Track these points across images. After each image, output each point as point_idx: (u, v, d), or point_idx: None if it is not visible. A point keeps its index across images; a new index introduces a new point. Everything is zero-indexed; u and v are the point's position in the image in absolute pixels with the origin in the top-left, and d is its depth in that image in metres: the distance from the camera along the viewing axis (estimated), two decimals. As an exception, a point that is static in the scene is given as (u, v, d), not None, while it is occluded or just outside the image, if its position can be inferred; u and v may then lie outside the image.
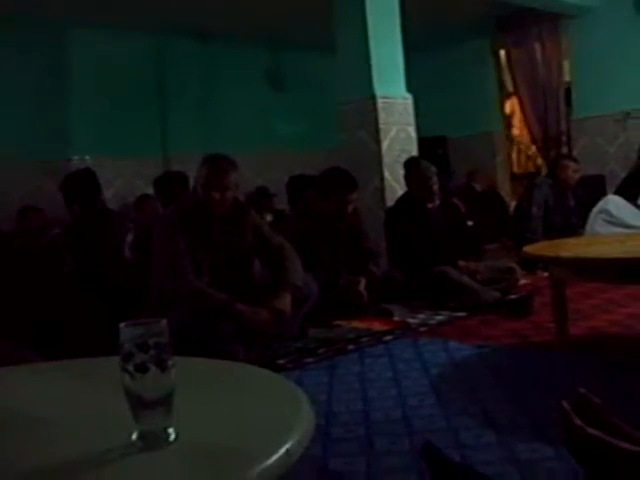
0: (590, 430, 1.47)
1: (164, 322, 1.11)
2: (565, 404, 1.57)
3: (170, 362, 1.09)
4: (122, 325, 1.09)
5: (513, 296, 4.56)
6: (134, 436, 1.10)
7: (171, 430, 1.11)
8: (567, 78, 8.30)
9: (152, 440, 1.09)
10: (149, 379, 1.07)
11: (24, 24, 6.43)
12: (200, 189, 3.56)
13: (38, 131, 6.59)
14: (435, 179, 4.97)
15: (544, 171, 8.19)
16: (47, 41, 6.76)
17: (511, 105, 9.38)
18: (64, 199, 4.74)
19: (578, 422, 1.50)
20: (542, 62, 8.26)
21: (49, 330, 3.48)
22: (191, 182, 4.68)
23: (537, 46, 8.27)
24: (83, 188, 4.63)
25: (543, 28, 8.15)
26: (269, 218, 6.33)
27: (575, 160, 6.36)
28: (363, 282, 4.43)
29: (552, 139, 8.26)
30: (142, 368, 1.06)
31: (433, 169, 5.01)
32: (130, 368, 1.07)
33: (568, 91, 8.21)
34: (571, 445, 1.62)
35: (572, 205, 6.25)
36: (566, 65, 8.23)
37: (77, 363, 1.75)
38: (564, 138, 8.22)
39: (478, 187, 7.89)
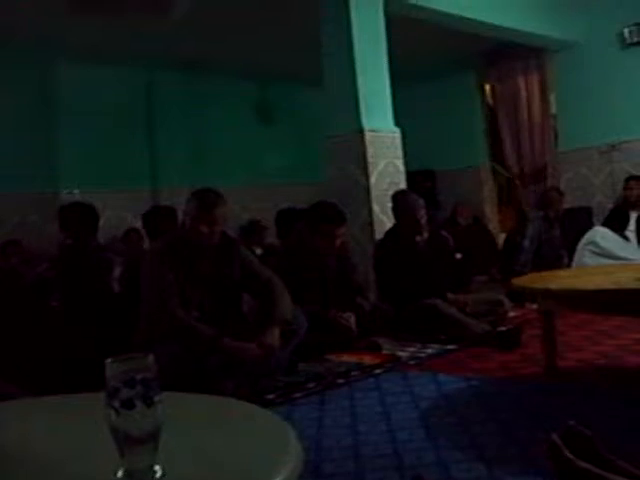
0: (580, 463, 1.46)
1: (151, 357, 1.10)
2: (555, 437, 1.56)
3: (157, 398, 1.08)
4: (108, 361, 1.08)
5: (502, 328, 4.55)
6: (119, 474, 1.08)
7: (157, 467, 1.09)
8: (553, 111, 8.40)
9: (138, 478, 1.08)
10: (135, 415, 1.06)
11: (11, 55, 6.46)
12: (188, 223, 3.56)
13: (26, 164, 6.59)
14: (423, 212, 4.98)
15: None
16: (36, 73, 6.79)
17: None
18: (61, 229, 4.69)
19: (568, 455, 1.49)
20: (527, 95, 8.36)
21: (36, 365, 3.45)
22: (179, 216, 4.68)
23: (522, 80, 8.37)
24: (85, 223, 4.59)
25: (529, 62, 8.27)
26: (259, 252, 6.33)
27: (560, 192, 6.42)
28: (353, 319, 4.40)
29: (537, 172, 8.33)
30: (128, 404, 1.05)
31: (421, 202, 5.03)
32: (116, 404, 1.06)
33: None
34: (561, 478, 1.61)
35: (557, 235, 6.28)
36: (551, 98, 8.33)
37: (63, 399, 1.73)
38: (550, 170, 8.30)
39: (462, 221, 7.95)
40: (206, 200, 3.56)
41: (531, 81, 8.33)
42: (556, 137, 8.29)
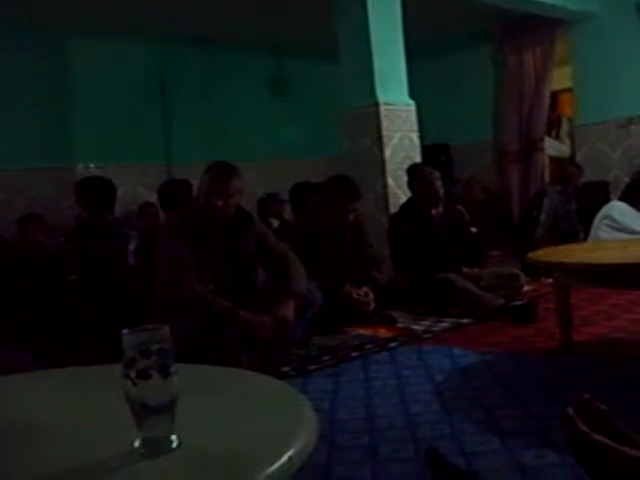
0: (595, 436, 1.46)
1: (166, 328, 1.11)
2: (570, 410, 1.56)
3: (172, 368, 1.09)
4: (125, 331, 1.09)
5: (517, 302, 4.54)
6: (136, 443, 1.09)
7: (174, 437, 1.10)
8: (569, 84, 8.32)
9: (155, 447, 1.09)
10: (151, 386, 1.07)
11: (26, 32, 6.45)
12: (203, 196, 3.55)
13: (42, 139, 6.60)
14: (439, 183, 4.96)
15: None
16: (49, 49, 6.78)
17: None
18: (78, 202, 4.72)
19: (583, 428, 1.49)
20: (540, 68, 8.27)
21: (52, 337, 3.48)
22: (194, 190, 4.68)
23: (537, 51, 8.26)
24: (102, 197, 4.61)
25: (545, 35, 8.15)
26: (276, 224, 6.32)
27: (578, 166, 6.37)
28: (371, 295, 4.40)
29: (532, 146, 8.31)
30: (144, 374, 1.06)
31: (437, 174, 5.00)
32: (132, 374, 1.06)
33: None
34: (576, 451, 1.61)
35: (574, 209, 6.26)
36: (568, 70, 8.23)
37: (79, 370, 1.75)
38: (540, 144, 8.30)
39: (474, 196, 7.92)
40: (220, 173, 3.56)
41: (545, 53, 8.21)
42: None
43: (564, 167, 6.54)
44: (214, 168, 3.60)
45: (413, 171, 5.11)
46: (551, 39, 8.12)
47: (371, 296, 4.38)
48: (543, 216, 5.99)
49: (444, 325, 4.35)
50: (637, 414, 2.32)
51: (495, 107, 8.74)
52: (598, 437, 1.45)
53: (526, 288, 5.08)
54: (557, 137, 9.51)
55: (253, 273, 3.83)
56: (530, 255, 3.72)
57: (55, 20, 6.45)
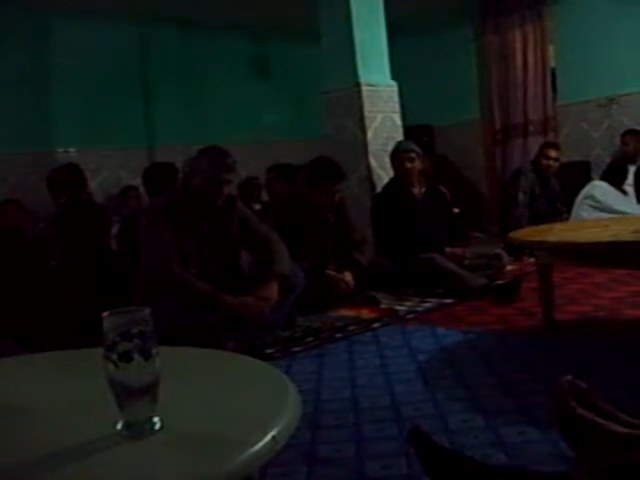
0: (580, 410, 1.48)
1: (147, 311, 1.11)
2: (565, 383, 1.58)
3: (154, 351, 1.09)
4: (105, 314, 1.08)
5: (500, 282, 4.57)
6: (119, 425, 1.10)
7: (156, 419, 1.11)
8: (552, 63, 8.29)
9: (137, 429, 1.09)
10: (133, 368, 1.07)
11: (5, 12, 6.36)
12: (199, 180, 3.50)
13: (21, 123, 6.52)
14: (413, 154, 4.98)
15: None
16: (30, 31, 6.68)
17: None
18: (50, 194, 4.74)
19: (571, 402, 1.51)
20: (524, 47, 8.23)
21: (35, 322, 3.47)
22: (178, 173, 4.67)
23: (519, 31, 8.23)
24: (68, 181, 4.63)
25: (528, 13, 8.13)
26: (257, 207, 6.31)
27: (556, 147, 6.33)
28: (349, 277, 4.41)
29: (534, 125, 8.24)
30: (126, 357, 1.06)
31: (412, 145, 5.04)
32: (114, 357, 1.07)
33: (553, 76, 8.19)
34: (562, 425, 1.63)
35: (557, 191, 6.27)
36: (551, 50, 8.22)
37: (62, 354, 1.74)
38: (548, 124, 8.19)
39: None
40: (223, 160, 3.51)
41: (529, 32, 8.18)
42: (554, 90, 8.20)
43: (542, 147, 6.48)
44: (214, 154, 3.54)
45: (392, 149, 5.15)
46: (535, 19, 8.09)
47: (349, 278, 4.39)
48: (520, 195, 6.01)
49: (427, 305, 4.36)
50: (618, 391, 2.35)
51: (481, 87, 8.71)
52: (582, 411, 1.47)
53: (509, 268, 5.10)
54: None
55: (237, 257, 3.83)
56: (512, 235, 3.73)
57: (35, 0, 6.36)
